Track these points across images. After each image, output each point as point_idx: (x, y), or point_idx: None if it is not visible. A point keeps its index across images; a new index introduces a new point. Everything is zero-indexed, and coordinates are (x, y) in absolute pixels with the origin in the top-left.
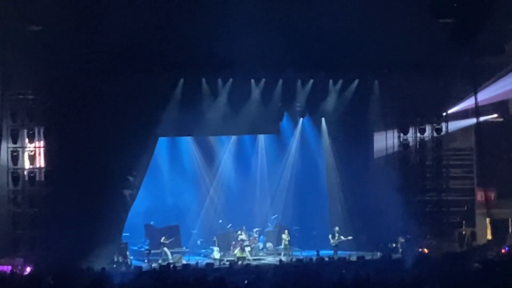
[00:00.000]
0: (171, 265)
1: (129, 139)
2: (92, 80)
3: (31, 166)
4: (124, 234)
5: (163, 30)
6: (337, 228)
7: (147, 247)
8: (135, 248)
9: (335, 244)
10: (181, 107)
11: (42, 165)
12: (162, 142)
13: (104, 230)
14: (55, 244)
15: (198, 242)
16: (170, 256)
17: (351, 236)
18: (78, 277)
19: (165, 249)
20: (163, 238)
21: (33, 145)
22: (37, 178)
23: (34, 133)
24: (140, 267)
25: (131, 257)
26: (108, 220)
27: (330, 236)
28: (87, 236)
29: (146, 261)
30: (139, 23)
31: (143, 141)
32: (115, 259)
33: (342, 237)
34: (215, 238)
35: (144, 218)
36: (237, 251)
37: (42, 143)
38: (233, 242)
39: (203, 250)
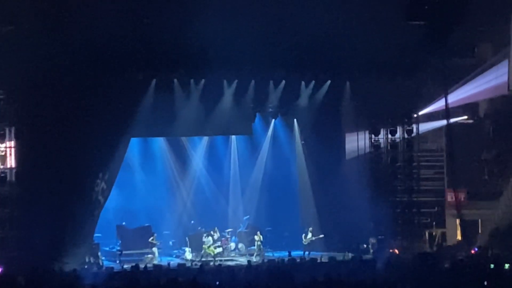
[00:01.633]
0: (143, 266)
1: (101, 140)
2: (64, 80)
3: (1, 166)
4: (95, 234)
5: (135, 30)
6: (310, 228)
7: (118, 248)
8: (107, 248)
9: (307, 243)
10: (153, 108)
11: (13, 165)
12: (134, 143)
13: (75, 231)
14: (27, 244)
15: (170, 242)
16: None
17: (322, 234)
18: (49, 278)
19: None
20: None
21: (3, 145)
22: (8, 178)
23: (4, 133)
24: (112, 268)
25: (103, 258)
26: (79, 221)
27: (303, 235)
28: (59, 236)
29: (117, 261)
30: (111, 23)
31: (115, 141)
32: (87, 260)
33: (313, 237)
34: (187, 239)
35: (116, 219)
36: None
37: (13, 143)
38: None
39: (175, 251)
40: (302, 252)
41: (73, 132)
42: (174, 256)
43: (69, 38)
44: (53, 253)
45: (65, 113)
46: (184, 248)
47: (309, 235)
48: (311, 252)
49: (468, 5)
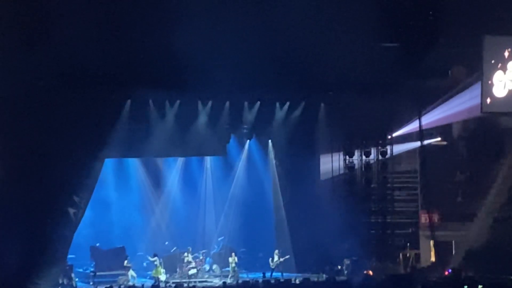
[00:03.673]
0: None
1: (76, 160)
2: (39, 99)
3: None
4: (69, 256)
5: (110, 51)
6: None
7: (92, 269)
8: (81, 270)
9: (274, 266)
10: (128, 128)
11: None
12: (109, 163)
13: (49, 252)
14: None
15: (144, 264)
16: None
17: (288, 255)
18: None
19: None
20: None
21: None
22: None
23: None
24: None
25: (76, 279)
26: (53, 242)
27: (270, 259)
28: (32, 258)
29: (91, 283)
30: (85, 44)
31: (89, 162)
32: (60, 281)
33: (281, 259)
34: (161, 260)
35: (90, 240)
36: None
37: None
38: (179, 264)
39: (149, 272)
40: (277, 274)
41: (47, 152)
42: (148, 277)
43: (43, 58)
44: (26, 274)
45: (39, 133)
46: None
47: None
48: (285, 274)
49: (441, 28)
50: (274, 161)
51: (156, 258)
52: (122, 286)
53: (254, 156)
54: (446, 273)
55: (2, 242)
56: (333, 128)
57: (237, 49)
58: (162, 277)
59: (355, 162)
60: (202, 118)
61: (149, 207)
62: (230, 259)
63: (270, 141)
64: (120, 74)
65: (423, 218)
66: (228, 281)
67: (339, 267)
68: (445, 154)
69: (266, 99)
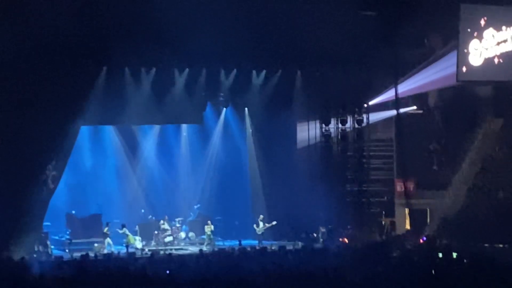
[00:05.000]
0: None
1: (51, 128)
2: (13, 68)
3: None
4: (45, 223)
5: (85, 17)
6: (261, 217)
7: (68, 237)
8: (56, 237)
9: (261, 232)
10: (104, 96)
11: None
12: (85, 131)
13: (24, 219)
14: None
15: (120, 231)
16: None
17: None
18: None
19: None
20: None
21: None
22: None
23: None
24: (61, 257)
25: (52, 247)
26: (28, 209)
27: (254, 225)
28: (7, 225)
29: (67, 250)
30: (61, 10)
31: (65, 130)
32: (36, 249)
33: (266, 224)
34: (137, 228)
35: (66, 207)
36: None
37: None
38: (155, 232)
39: (125, 240)
40: (252, 241)
41: (23, 119)
42: (124, 244)
43: (18, 26)
44: (1, 241)
45: (15, 101)
46: (134, 237)
47: (261, 224)
48: (262, 241)
49: None
50: (250, 129)
51: (124, 229)
52: (98, 254)
53: (231, 124)
54: (421, 240)
55: None
56: (309, 96)
57: (214, 17)
58: (138, 245)
59: (331, 130)
60: (179, 86)
61: (126, 175)
62: (206, 227)
63: (246, 109)
64: (96, 41)
65: (399, 186)
66: (204, 248)
67: (315, 235)
68: (421, 122)
69: (243, 67)
